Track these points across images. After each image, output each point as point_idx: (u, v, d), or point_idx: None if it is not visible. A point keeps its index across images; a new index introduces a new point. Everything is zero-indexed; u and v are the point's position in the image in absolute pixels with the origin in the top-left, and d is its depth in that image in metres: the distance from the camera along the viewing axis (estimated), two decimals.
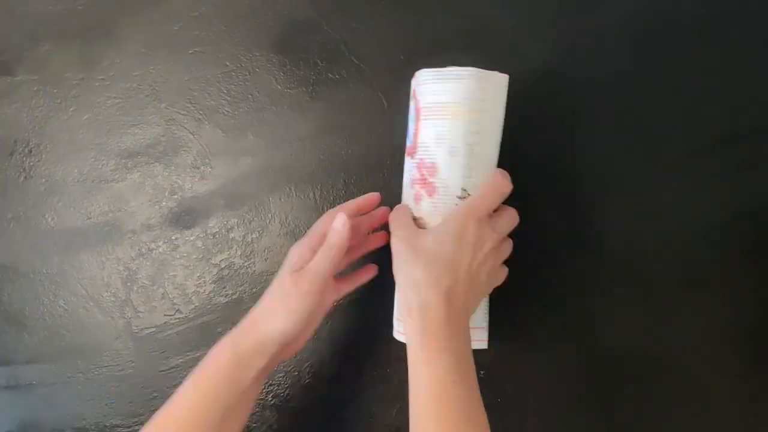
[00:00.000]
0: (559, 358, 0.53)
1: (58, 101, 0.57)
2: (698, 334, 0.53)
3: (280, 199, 0.55)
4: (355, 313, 0.54)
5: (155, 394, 0.54)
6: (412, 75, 0.48)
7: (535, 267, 0.52)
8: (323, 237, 0.44)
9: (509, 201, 0.44)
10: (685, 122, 0.54)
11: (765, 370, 0.53)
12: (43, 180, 0.57)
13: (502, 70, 0.47)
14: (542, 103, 0.55)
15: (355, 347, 0.54)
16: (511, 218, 0.44)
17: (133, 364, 0.55)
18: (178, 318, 0.55)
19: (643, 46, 0.55)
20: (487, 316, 0.48)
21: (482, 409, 0.39)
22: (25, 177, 0.58)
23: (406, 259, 0.41)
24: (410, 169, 0.46)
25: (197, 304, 0.55)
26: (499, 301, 0.48)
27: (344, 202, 0.52)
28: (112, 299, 0.56)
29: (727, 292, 0.53)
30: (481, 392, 0.51)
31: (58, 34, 0.58)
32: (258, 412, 0.54)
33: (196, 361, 0.54)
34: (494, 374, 0.52)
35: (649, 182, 0.54)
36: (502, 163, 0.47)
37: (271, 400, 0.54)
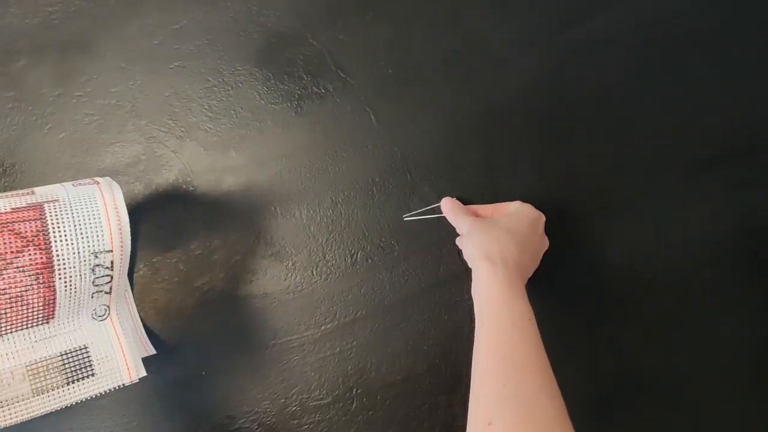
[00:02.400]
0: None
1: (34, 119, 0.55)
2: (697, 352, 0.51)
3: (264, 219, 0.53)
4: (342, 343, 0.52)
5: (134, 424, 0.52)
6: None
7: (531, 286, 0.50)
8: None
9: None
10: (683, 138, 0.53)
11: (764, 388, 0.51)
12: None
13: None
14: (534, 119, 0.53)
15: (343, 375, 0.52)
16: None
17: (113, 393, 0.53)
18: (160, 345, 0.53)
19: (638, 61, 0.53)
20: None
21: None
22: None
23: (484, 226, 0.46)
24: None
25: (180, 330, 0.53)
26: None
27: (332, 221, 0.51)
28: None
29: (727, 310, 0.52)
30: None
31: (33, 48, 0.56)
32: None
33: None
34: None
35: (648, 199, 0.52)
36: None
37: (257, 429, 0.52)
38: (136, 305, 0.53)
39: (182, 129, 0.54)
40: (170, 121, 0.54)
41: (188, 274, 0.53)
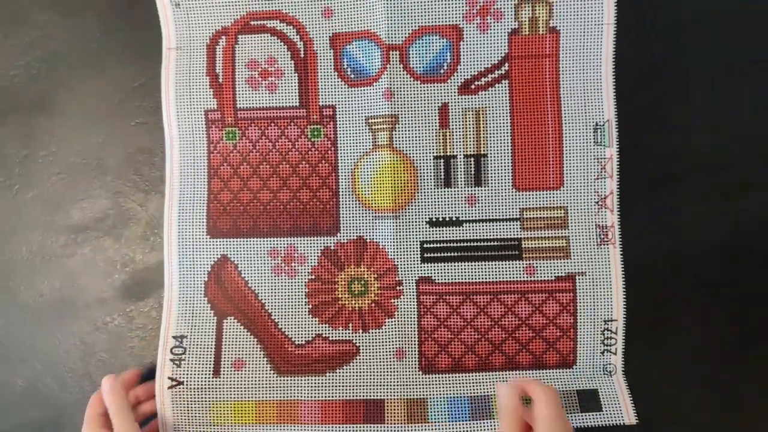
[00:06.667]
0: None
1: (2, 179, 0.57)
2: (672, 369, 0.54)
3: None
4: None
5: None
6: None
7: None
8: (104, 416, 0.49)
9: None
10: (652, 149, 0.54)
11: (738, 404, 0.54)
12: None
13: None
14: None
15: None
16: None
17: None
18: None
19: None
20: None
21: None
22: None
23: None
24: None
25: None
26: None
27: None
28: (71, 374, 0.56)
29: (697, 325, 0.54)
30: None
31: None
32: None
33: None
34: None
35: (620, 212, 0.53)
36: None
37: None
38: (115, 354, 0.56)
39: (147, 183, 0.57)
40: (135, 176, 0.57)
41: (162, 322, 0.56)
